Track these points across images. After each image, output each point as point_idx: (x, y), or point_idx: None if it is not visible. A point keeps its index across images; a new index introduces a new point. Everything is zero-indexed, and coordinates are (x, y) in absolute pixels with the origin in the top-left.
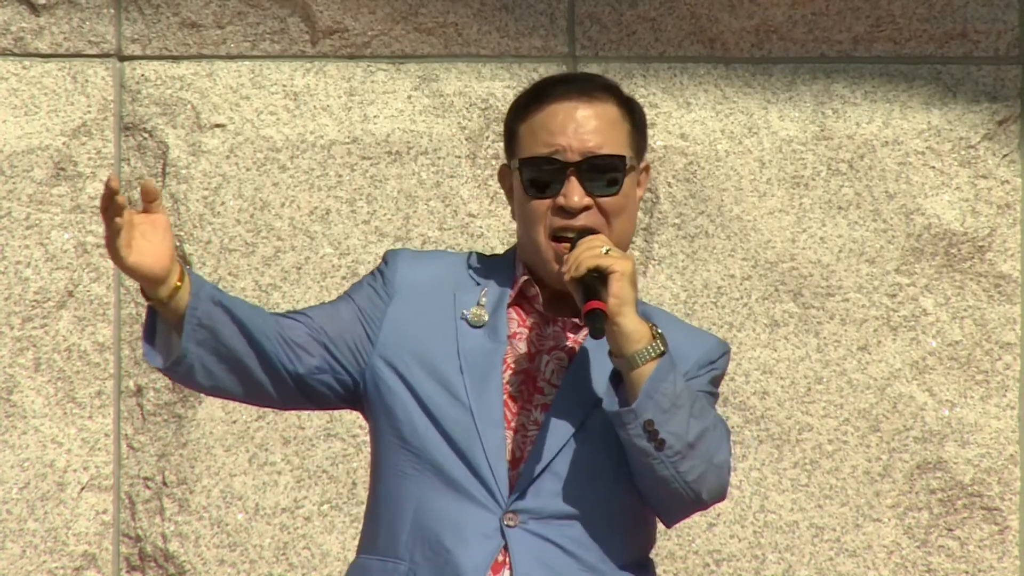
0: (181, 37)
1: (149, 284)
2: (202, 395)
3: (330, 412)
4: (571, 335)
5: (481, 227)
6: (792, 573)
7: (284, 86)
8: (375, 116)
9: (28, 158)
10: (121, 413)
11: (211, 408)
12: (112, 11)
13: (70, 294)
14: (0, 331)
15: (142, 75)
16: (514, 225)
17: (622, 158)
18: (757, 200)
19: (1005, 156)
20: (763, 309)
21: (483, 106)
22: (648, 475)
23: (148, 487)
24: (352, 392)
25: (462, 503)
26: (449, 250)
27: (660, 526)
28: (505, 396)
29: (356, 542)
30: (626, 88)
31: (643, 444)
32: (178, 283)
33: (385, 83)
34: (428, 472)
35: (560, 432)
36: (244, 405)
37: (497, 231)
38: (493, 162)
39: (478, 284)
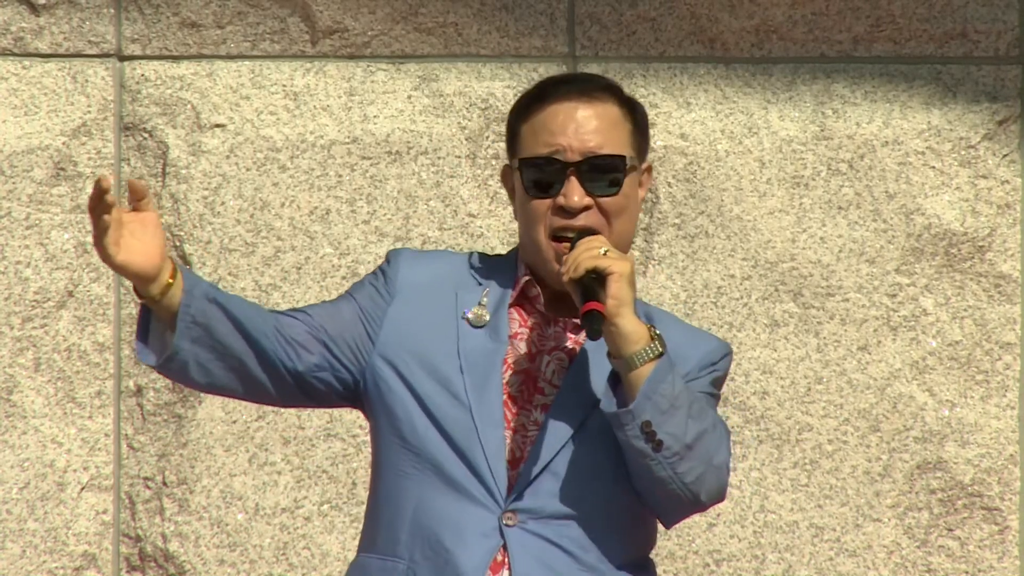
0: (181, 37)
1: (140, 282)
2: (202, 395)
3: (330, 412)
4: (572, 336)
5: (481, 227)
6: (792, 573)
7: (284, 86)
8: (375, 116)
9: (28, 158)
10: (121, 413)
11: (211, 408)
12: (112, 11)
13: (70, 294)
14: (0, 331)
15: (142, 75)
16: (514, 225)
17: (622, 158)
18: (757, 200)
19: (1005, 156)
20: (763, 309)
21: (483, 106)
22: (646, 476)
23: (148, 487)
24: (352, 391)
25: (462, 502)
26: (450, 250)
27: (660, 526)
28: (505, 396)
29: (356, 542)
30: (626, 88)
31: (641, 445)
32: (170, 280)
33: (385, 83)
34: (428, 471)
35: (560, 432)
36: (244, 405)
37: (497, 231)
38: (493, 162)
39: (480, 284)
